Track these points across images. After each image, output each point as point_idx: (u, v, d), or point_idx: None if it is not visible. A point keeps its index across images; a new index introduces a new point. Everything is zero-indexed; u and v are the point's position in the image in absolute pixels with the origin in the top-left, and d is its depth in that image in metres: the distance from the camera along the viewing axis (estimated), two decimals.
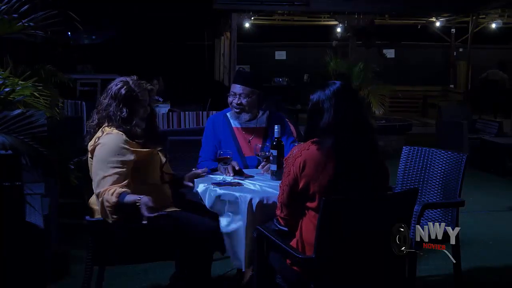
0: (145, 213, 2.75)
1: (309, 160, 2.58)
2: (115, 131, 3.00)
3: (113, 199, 2.83)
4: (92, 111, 3.13)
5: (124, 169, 2.92)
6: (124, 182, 2.90)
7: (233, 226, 3.02)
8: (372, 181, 2.64)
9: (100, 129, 3.03)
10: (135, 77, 3.13)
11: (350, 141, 2.58)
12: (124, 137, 2.99)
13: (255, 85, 3.61)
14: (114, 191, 2.85)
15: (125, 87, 3.04)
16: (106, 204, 2.85)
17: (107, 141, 2.95)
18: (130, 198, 2.84)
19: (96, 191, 2.90)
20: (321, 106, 2.62)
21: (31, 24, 2.81)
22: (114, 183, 2.89)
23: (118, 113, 3.01)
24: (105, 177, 2.89)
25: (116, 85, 3.06)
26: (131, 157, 2.96)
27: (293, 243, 2.67)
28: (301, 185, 2.60)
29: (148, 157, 3.09)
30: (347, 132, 2.58)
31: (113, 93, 3.04)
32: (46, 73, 5.48)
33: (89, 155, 3.03)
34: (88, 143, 3.06)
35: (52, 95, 4.24)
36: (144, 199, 2.79)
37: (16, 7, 2.80)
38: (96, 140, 2.98)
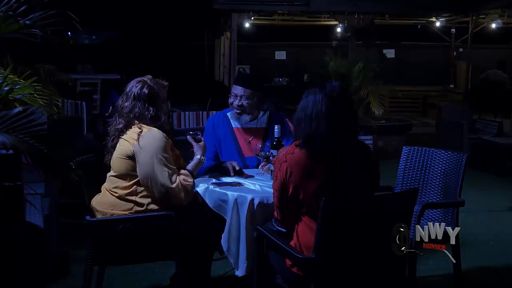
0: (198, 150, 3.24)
1: (294, 166, 2.56)
2: (153, 128, 3.05)
3: (189, 179, 3.07)
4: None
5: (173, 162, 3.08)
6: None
7: (233, 227, 3.03)
8: (361, 184, 2.64)
9: (135, 126, 3.05)
10: (150, 76, 3.18)
11: (335, 144, 2.57)
12: (163, 134, 3.06)
13: (256, 87, 3.61)
14: (183, 175, 3.07)
15: (146, 86, 3.10)
16: (189, 183, 3.05)
17: (154, 137, 3.01)
18: (190, 165, 3.17)
19: (170, 185, 2.98)
20: (307, 110, 2.60)
21: (27, 22, 2.80)
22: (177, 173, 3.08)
23: (146, 112, 3.07)
24: (173, 172, 3.01)
25: (136, 86, 3.10)
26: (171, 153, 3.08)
27: (292, 243, 2.67)
28: (290, 190, 2.59)
29: (176, 159, 3.13)
30: (332, 136, 2.56)
31: (135, 94, 3.08)
32: (46, 72, 5.48)
33: (127, 149, 3.02)
34: (111, 144, 3.11)
35: (52, 94, 4.23)
36: (196, 155, 3.23)
37: (14, 7, 2.79)
38: (138, 137, 3.00)
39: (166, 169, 2.98)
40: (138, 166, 3.00)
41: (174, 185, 2.97)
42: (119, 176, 3.08)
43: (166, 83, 3.22)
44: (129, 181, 3.05)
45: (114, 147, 3.10)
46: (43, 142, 2.54)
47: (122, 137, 3.07)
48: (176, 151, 3.17)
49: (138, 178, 3.03)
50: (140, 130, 3.02)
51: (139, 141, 2.98)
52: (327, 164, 2.57)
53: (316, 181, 2.55)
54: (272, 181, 3.18)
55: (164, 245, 3.04)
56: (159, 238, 3.02)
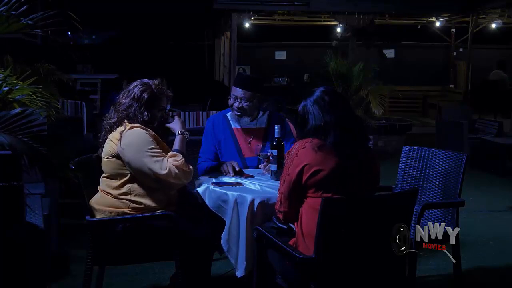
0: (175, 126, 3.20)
1: (312, 151, 2.60)
2: (136, 125, 3.06)
3: (178, 158, 3.02)
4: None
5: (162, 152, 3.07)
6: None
7: (233, 227, 3.03)
8: (367, 176, 2.67)
9: (122, 125, 3.07)
10: (157, 81, 3.17)
11: (346, 138, 2.63)
12: (147, 130, 3.07)
13: (256, 89, 3.61)
14: (171, 157, 3.02)
15: (148, 91, 3.10)
16: (180, 162, 3.01)
17: (136, 134, 3.01)
18: (176, 145, 3.13)
19: (162, 172, 2.97)
20: (310, 112, 2.68)
21: (29, 22, 2.80)
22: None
23: (139, 115, 3.07)
24: (163, 159, 2.99)
25: (139, 88, 3.11)
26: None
27: (292, 241, 2.68)
28: (303, 174, 2.60)
29: (165, 152, 3.13)
30: (342, 131, 2.63)
31: (135, 95, 3.09)
32: (46, 72, 5.48)
33: (111, 149, 3.04)
34: (102, 139, 3.12)
35: (51, 96, 4.23)
36: (176, 132, 3.18)
37: (15, 7, 2.79)
38: (121, 135, 3.01)
39: (154, 158, 2.98)
40: (126, 164, 3.02)
41: (166, 171, 2.97)
42: (109, 177, 3.10)
43: (170, 94, 3.22)
44: (120, 180, 3.06)
45: (105, 142, 3.12)
46: (42, 143, 2.54)
47: (108, 136, 3.09)
48: (164, 144, 3.17)
49: (128, 177, 3.04)
50: (123, 129, 3.04)
51: (121, 141, 3.00)
52: (339, 152, 2.61)
53: (331, 164, 2.58)
54: (273, 181, 3.21)
55: (164, 245, 3.04)
56: (159, 238, 3.02)
